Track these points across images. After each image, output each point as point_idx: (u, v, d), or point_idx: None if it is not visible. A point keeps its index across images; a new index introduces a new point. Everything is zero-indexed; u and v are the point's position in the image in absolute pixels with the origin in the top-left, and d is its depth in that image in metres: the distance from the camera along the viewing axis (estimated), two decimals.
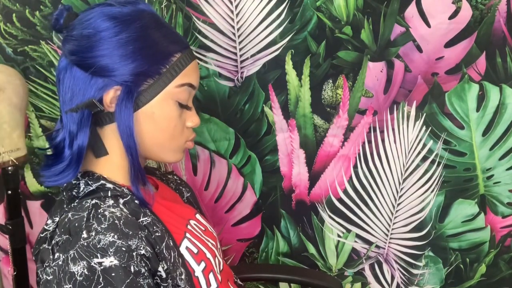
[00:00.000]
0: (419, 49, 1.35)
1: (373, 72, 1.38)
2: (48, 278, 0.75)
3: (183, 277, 0.82)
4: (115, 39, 0.79)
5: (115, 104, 0.81)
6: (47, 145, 0.89)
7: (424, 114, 1.40)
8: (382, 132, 1.43)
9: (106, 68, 0.79)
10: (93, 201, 0.80)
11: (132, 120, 0.81)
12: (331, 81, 1.40)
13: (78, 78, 0.80)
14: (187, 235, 0.90)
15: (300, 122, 1.44)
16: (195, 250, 0.89)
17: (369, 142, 1.44)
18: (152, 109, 0.83)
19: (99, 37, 0.79)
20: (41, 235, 0.84)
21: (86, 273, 0.71)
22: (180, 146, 0.89)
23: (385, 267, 1.54)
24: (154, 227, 0.81)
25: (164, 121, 0.84)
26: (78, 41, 0.81)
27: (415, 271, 1.53)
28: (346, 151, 1.45)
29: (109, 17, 0.80)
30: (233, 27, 1.38)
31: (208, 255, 0.91)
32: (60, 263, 0.74)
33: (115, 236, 0.74)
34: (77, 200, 0.82)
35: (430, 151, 1.42)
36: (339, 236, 1.53)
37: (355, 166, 1.46)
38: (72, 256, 0.73)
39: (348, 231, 1.52)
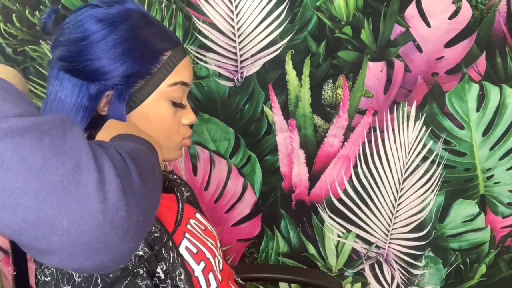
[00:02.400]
0: (419, 49, 1.35)
1: (373, 72, 1.38)
2: (46, 279, 0.75)
3: (182, 277, 0.82)
4: (103, 42, 0.78)
5: (107, 108, 0.80)
6: None
7: (424, 114, 1.39)
8: (382, 132, 1.43)
9: (96, 72, 0.78)
10: None
11: None
12: (331, 81, 1.40)
13: (68, 84, 0.80)
14: (186, 235, 0.89)
15: (300, 122, 1.44)
16: (195, 250, 0.88)
17: (369, 142, 1.44)
18: (146, 110, 0.82)
19: (87, 41, 0.78)
20: None
21: (84, 274, 0.71)
22: (177, 145, 0.88)
23: (385, 267, 1.54)
24: (153, 228, 0.81)
25: (158, 121, 0.83)
26: (66, 47, 0.80)
27: (415, 271, 1.53)
28: (346, 151, 1.45)
29: (96, 19, 0.79)
30: (233, 27, 1.38)
31: (208, 254, 0.91)
32: None
33: None
34: None
35: (430, 151, 1.42)
36: (339, 236, 1.53)
37: (355, 166, 1.46)
38: None
39: (348, 231, 1.52)
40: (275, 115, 1.45)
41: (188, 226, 0.93)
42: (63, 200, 0.45)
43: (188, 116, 0.87)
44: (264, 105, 1.44)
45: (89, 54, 0.78)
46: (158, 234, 0.81)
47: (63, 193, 0.45)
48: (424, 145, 1.42)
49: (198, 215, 1.00)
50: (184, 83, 0.85)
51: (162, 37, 0.83)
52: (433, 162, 1.42)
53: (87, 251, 0.47)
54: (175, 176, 1.11)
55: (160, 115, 0.83)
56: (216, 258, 0.94)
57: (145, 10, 0.87)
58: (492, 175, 1.42)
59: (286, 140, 1.47)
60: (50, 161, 0.45)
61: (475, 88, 1.36)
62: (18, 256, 1.21)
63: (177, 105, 0.85)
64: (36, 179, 0.44)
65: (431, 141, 1.41)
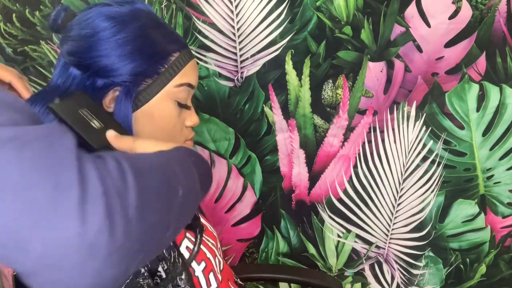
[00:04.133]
0: (419, 49, 1.35)
1: (373, 72, 1.38)
2: None
3: (183, 277, 0.82)
4: (113, 39, 0.79)
5: (114, 104, 0.81)
6: None
7: (424, 114, 1.40)
8: (382, 132, 1.43)
9: (105, 69, 0.79)
10: None
11: (131, 121, 0.81)
12: (331, 81, 1.40)
13: (76, 79, 0.80)
14: (187, 234, 0.90)
15: (300, 122, 1.44)
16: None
17: (369, 142, 1.44)
18: (151, 109, 0.82)
19: (97, 37, 0.79)
20: None
21: None
22: None
23: (385, 267, 1.54)
24: None
25: (163, 121, 0.84)
26: (76, 42, 0.80)
27: (415, 271, 1.53)
28: (346, 151, 1.45)
29: (107, 17, 0.80)
30: (233, 27, 1.38)
31: (208, 254, 0.91)
32: None
33: None
34: None
35: (430, 151, 1.42)
36: (339, 236, 1.53)
37: (355, 166, 1.46)
38: None
39: (348, 231, 1.52)
40: (275, 115, 1.45)
41: None
42: (38, 220, 0.40)
43: (192, 118, 0.88)
44: (264, 105, 1.44)
45: (98, 50, 0.78)
46: None
47: (38, 212, 0.40)
48: (424, 145, 1.42)
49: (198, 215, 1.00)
50: (190, 85, 0.85)
51: (171, 39, 0.84)
52: (433, 162, 1.43)
53: (64, 277, 0.42)
54: None
55: (165, 115, 0.83)
56: (216, 258, 0.94)
57: (154, 11, 0.87)
58: (492, 175, 1.42)
59: (286, 140, 1.47)
60: (28, 176, 0.41)
61: (475, 88, 1.36)
62: None
63: (182, 106, 0.85)
64: (10, 196, 0.40)
65: (431, 141, 1.41)
